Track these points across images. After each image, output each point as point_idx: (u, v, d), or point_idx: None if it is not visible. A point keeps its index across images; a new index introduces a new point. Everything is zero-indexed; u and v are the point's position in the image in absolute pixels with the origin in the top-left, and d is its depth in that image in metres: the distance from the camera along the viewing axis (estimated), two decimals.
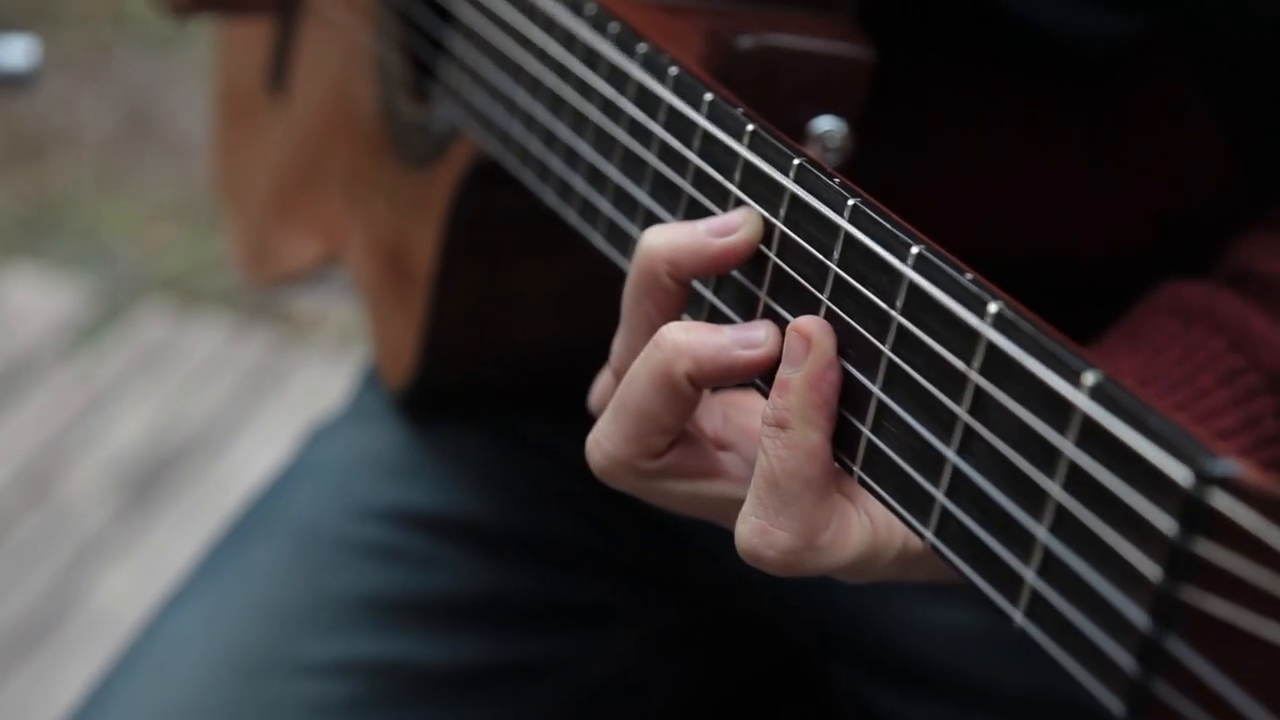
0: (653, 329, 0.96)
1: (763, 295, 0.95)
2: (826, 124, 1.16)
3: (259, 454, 3.08)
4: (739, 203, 0.97)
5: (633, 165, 1.07)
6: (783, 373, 0.90)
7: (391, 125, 1.43)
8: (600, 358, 1.41)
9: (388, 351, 1.44)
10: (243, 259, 1.76)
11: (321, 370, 3.28)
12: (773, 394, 0.90)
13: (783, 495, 0.89)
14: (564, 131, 1.15)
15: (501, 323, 1.38)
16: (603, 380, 1.03)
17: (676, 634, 1.44)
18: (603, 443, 0.95)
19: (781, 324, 0.93)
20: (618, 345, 0.99)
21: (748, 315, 0.96)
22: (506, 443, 1.42)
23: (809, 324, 0.90)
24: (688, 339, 0.92)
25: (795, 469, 0.89)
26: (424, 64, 1.40)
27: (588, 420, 1.43)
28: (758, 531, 0.90)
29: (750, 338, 0.93)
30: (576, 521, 1.41)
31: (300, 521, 1.38)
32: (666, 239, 0.95)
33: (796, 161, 0.93)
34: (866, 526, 0.92)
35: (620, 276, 1.35)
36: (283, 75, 1.64)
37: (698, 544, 1.41)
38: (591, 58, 1.12)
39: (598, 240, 1.11)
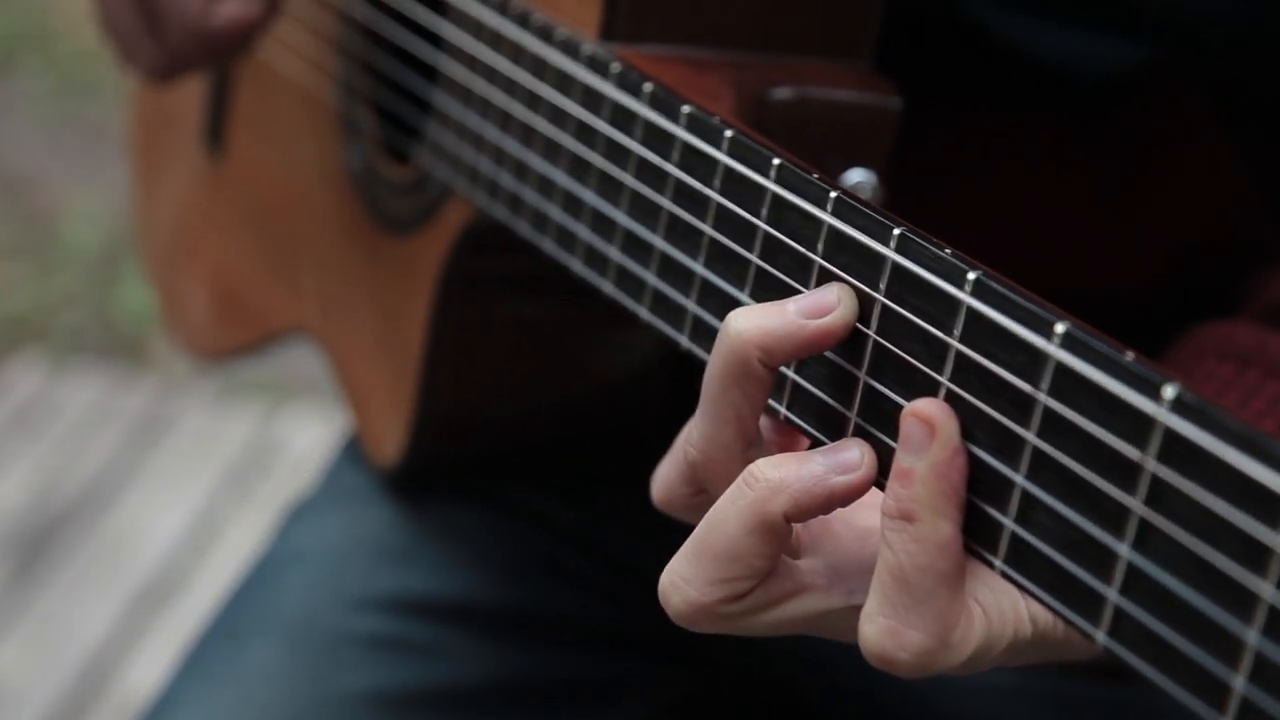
0: (739, 419, 0.90)
1: (862, 375, 0.89)
2: (858, 176, 1.11)
3: (149, 509, 2.97)
4: (824, 274, 0.91)
5: (682, 234, 1.01)
6: (903, 461, 0.84)
7: (364, 188, 1.35)
8: (598, 421, 1.35)
9: (372, 427, 1.36)
10: (166, 316, 1.66)
11: (206, 418, 3.16)
12: (893, 484, 0.84)
13: (914, 593, 0.83)
14: (590, 196, 1.08)
15: (496, 392, 1.31)
16: (670, 470, 0.96)
17: (690, 702, 1.37)
18: (683, 587, 0.88)
19: (888, 406, 0.87)
20: (695, 435, 0.92)
21: (842, 396, 0.90)
22: (501, 515, 1.35)
23: (930, 408, 0.84)
24: (781, 475, 0.86)
25: (926, 564, 0.83)
26: (399, 122, 1.32)
27: (584, 486, 1.37)
28: (888, 633, 0.84)
29: (845, 461, 0.87)
30: (579, 594, 1.34)
31: (294, 616, 1.30)
32: (756, 324, 0.89)
33: (898, 231, 0.87)
34: (982, 618, 0.87)
35: (621, 335, 1.29)
36: (220, 135, 1.55)
37: None
38: (623, 119, 1.06)
39: (642, 312, 1.04)
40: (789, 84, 1.10)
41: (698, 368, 0.94)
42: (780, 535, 0.86)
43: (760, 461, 0.87)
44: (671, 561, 0.88)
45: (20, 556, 2.88)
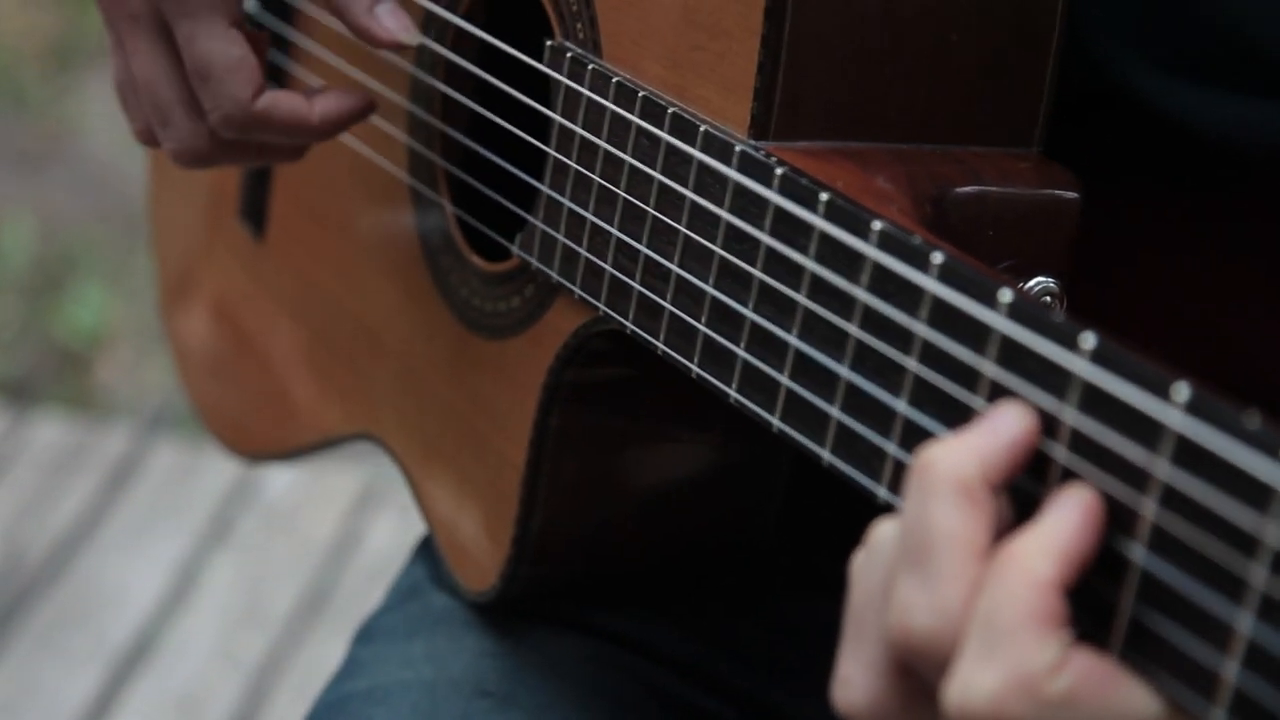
0: (977, 555, 0.79)
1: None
2: (1040, 283, 0.99)
3: (123, 561, 2.81)
4: (1077, 438, 0.79)
5: (876, 368, 0.89)
6: None
7: (447, 282, 1.21)
8: (711, 540, 1.22)
9: (459, 546, 1.22)
10: (203, 415, 1.52)
11: (175, 466, 2.99)
12: None
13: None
14: (750, 313, 0.96)
15: (603, 511, 1.18)
16: (870, 686, 0.83)
17: None
18: (982, 685, 0.76)
19: None
20: (919, 605, 0.79)
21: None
22: (605, 647, 1.21)
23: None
24: (1039, 539, 0.78)
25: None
26: (490, 213, 1.19)
27: (695, 613, 1.24)
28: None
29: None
30: None
31: None
32: (964, 445, 0.80)
33: (1184, 398, 0.76)
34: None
35: (743, 450, 1.16)
36: (261, 217, 1.40)
37: None
38: (792, 230, 0.93)
39: (824, 454, 0.92)
40: (965, 182, 0.98)
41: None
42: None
43: (1016, 546, 0.78)
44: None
45: None
